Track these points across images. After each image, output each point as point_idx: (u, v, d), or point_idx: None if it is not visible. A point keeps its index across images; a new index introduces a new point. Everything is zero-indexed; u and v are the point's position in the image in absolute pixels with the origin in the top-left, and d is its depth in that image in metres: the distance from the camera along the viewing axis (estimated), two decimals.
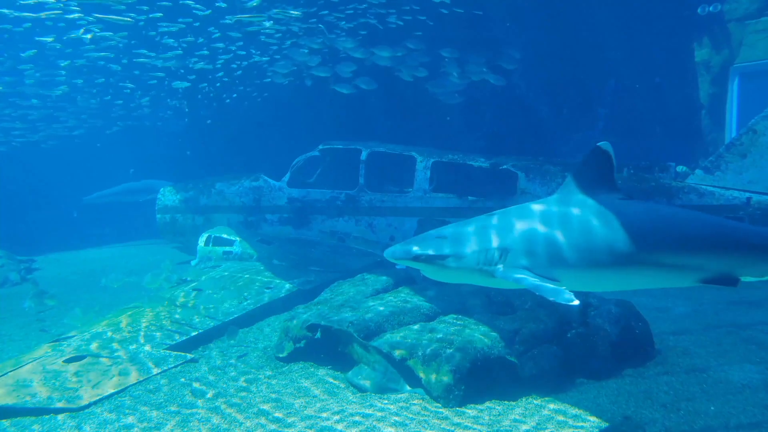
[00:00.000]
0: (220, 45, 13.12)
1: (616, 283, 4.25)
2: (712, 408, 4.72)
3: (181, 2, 11.26)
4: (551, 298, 3.54)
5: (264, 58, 13.59)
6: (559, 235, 3.85)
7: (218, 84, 15.38)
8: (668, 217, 3.88)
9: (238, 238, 10.51)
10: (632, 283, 4.20)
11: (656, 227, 3.81)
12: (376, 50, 11.90)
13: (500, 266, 3.87)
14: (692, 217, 3.98)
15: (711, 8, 13.64)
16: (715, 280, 3.81)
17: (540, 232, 3.90)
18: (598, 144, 4.02)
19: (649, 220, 3.84)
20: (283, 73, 13.24)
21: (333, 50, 12.69)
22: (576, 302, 3.48)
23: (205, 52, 13.40)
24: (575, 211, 3.95)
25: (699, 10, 13.81)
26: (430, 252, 4.00)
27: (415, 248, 4.05)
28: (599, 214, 3.87)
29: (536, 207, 4.10)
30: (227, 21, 11.88)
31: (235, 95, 16.61)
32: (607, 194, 3.99)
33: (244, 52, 13.56)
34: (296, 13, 10.95)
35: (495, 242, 3.93)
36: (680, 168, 11.84)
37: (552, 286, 3.66)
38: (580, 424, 4.61)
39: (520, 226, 3.98)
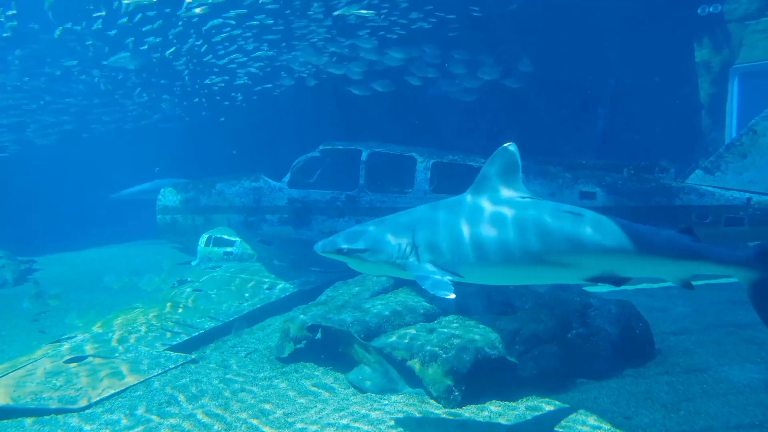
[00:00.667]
0: (252, 45, 13.07)
1: (512, 279, 4.53)
2: (713, 408, 4.72)
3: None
4: (429, 291, 3.78)
5: (291, 54, 13.48)
6: (461, 233, 4.04)
7: (241, 82, 15.29)
8: (562, 217, 3.99)
9: (238, 239, 10.52)
10: (526, 278, 4.42)
11: (549, 227, 3.94)
12: (391, 52, 11.93)
13: (410, 260, 4.11)
14: (584, 217, 4.04)
15: (711, 9, 13.64)
16: (600, 278, 3.98)
17: (444, 230, 4.11)
18: (503, 144, 4.23)
19: (545, 220, 3.96)
20: (299, 71, 13.26)
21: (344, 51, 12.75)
22: (452, 296, 3.68)
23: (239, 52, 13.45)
24: (479, 210, 4.13)
25: (699, 11, 13.81)
26: (351, 246, 4.26)
27: (339, 242, 4.32)
28: (499, 213, 4.06)
29: (446, 205, 4.33)
30: (269, 22, 11.96)
31: (240, 96, 16.56)
32: (512, 193, 4.20)
33: (270, 52, 13.54)
34: (368, 12, 10.96)
35: (407, 238, 4.16)
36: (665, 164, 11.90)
37: (437, 278, 3.89)
38: (581, 425, 4.61)
39: (429, 223, 4.20)
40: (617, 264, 3.94)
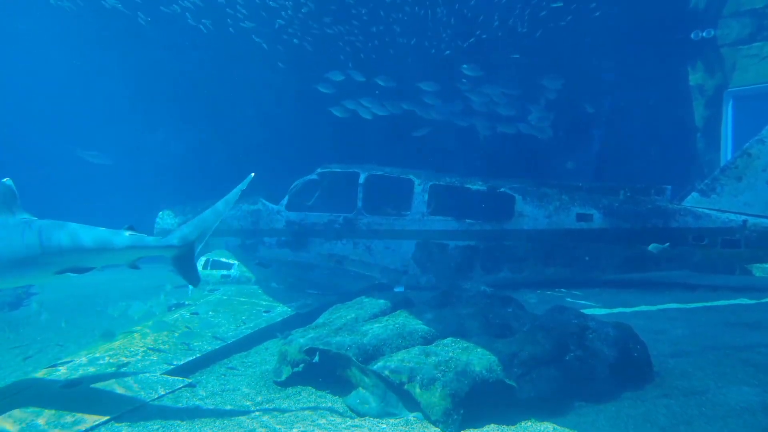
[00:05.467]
0: None
1: (13, 281, 5.42)
2: (711, 431, 4.71)
3: None
4: None
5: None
6: None
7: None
8: (41, 231, 4.99)
9: (236, 261, 10.52)
10: (24, 279, 5.42)
11: (28, 240, 4.94)
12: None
13: None
14: (60, 227, 5.08)
15: (704, 34, 13.88)
16: (69, 270, 5.12)
17: None
18: (2, 180, 5.28)
19: (25, 234, 4.96)
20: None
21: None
22: None
23: None
24: None
25: (692, 36, 14.05)
26: None
27: None
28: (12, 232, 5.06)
29: None
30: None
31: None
32: (13, 217, 5.19)
33: None
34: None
35: None
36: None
37: None
38: None
39: None
40: (83, 259, 5.06)
